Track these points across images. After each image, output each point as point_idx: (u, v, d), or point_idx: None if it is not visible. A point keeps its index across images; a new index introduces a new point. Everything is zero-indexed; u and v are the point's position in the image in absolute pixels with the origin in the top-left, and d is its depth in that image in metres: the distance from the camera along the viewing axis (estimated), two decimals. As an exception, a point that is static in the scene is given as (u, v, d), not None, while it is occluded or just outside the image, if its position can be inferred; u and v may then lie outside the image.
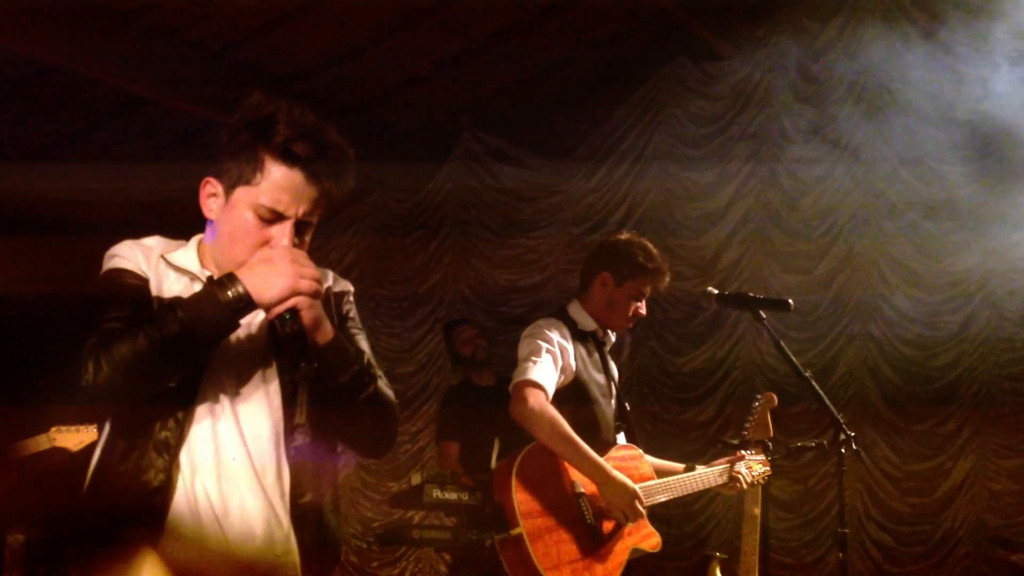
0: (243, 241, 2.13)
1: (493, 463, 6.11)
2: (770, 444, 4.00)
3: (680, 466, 3.96)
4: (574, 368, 3.82)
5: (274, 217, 2.12)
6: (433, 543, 5.34)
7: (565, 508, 3.60)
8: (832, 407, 3.59)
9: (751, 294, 3.94)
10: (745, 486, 3.94)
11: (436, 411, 6.71)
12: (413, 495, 5.29)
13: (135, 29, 6.63)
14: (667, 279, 4.03)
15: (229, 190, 2.15)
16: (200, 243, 2.28)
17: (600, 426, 3.82)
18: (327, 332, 2.11)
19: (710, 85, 7.81)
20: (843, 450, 3.53)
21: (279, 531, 2.16)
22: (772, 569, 6.66)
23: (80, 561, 2.12)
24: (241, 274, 2.03)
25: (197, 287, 2.15)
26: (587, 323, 3.98)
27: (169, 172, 8.11)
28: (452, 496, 5.16)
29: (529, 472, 3.57)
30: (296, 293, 2.04)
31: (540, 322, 3.90)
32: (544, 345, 3.76)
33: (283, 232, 2.12)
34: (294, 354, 2.05)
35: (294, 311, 2.04)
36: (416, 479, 5.30)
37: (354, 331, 2.30)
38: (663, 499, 3.78)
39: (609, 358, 4.07)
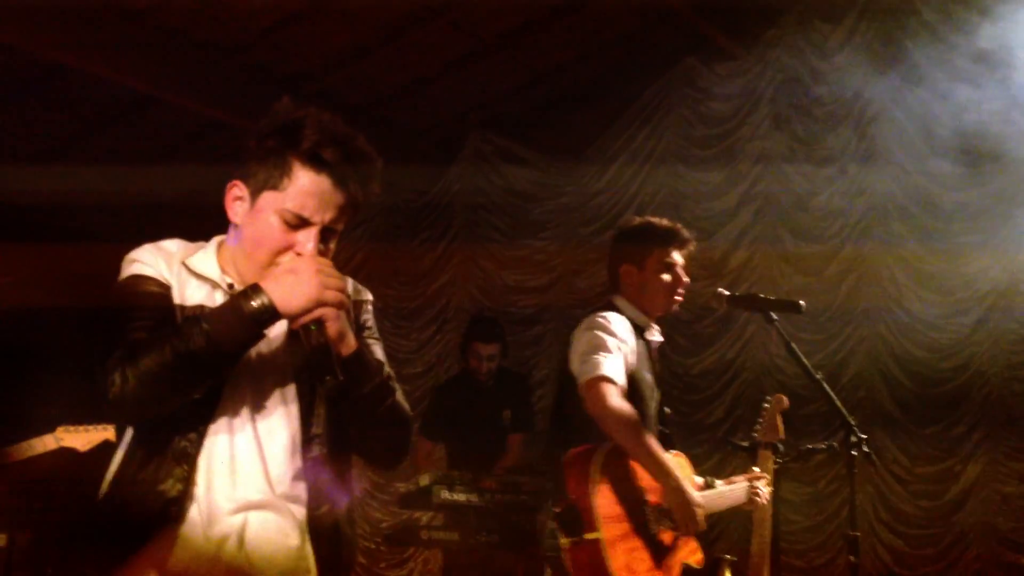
0: (267, 245, 2.11)
1: (513, 459, 6.10)
2: (780, 446, 3.97)
3: (698, 480, 3.85)
4: (632, 363, 3.70)
5: (300, 223, 2.11)
6: (441, 544, 5.34)
7: (636, 515, 3.46)
8: (843, 409, 3.57)
9: (762, 295, 3.91)
10: (764, 502, 3.88)
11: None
12: (421, 496, 5.29)
13: (145, 29, 6.63)
14: (686, 236, 3.91)
15: (255, 194, 2.14)
16: (220, 246, 2.27)
17: (648, 427, 3.68)
18: (351, 343, 2.10)
19: (720, 86, 7.78)
20: (854, 452, 3.50)
21: (295, 542, 2.16)
22: (782, 572, 6.63)
23: (93, 567, 2.11)
24: (266, 284, 2.02)
25: (218, 295, 2.15)
26: (637, 316, 3.84)
27: (179, 172, 8.15)
28: (461, 497, 5.16)
29: (608, 473, 3.42)
30: (322, 304, 2.03)
31: (602, 314, 3.74)
32: (610, 339, 3.62)
33: (308, 237, 2.11)
34: (320, 366, 2.04)
35: (319, 322, 2.03)
36: (424, 480, 5.30)
37: (371, 340, 2.30)
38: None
39: (656, 358, 3.94)
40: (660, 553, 3.48)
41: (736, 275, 7.26)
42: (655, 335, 3.94)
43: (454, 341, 8.42)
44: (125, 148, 7.99)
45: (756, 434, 3.98)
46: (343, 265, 2.15)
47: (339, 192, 2.12)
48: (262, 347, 2.15)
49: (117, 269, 2.21)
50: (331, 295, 2.04)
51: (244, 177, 2.16)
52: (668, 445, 3.73)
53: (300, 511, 2.17)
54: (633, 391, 3.65)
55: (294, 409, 2.18)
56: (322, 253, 2.14)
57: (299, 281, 2.02)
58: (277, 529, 2.14)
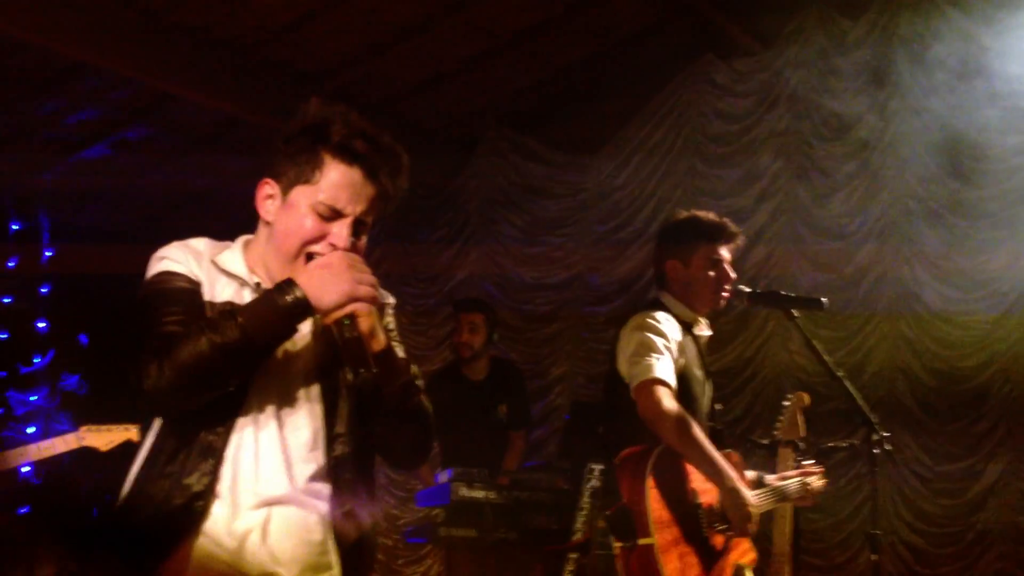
0: (300, 235, 2.13)
1: (516, 457, 6.07)
2: (801, 444, 3.94)
3: (749, 475, 3.80)
4: (682, 362, 3.67)
5: (332, 215, 2.13)
6: (459, 541, 5.33)
7: (689, 519, 3.43)
8: (865, 407, 3.55)
9: (783, 292, 3.88)
10: (816, 500, 3.85)
11: None
12: (439, 493, 5.29)
13: (165, 26, 6.65)
14: (732, 231, 3.86)
15: (287, 190, 2.17)
16: (246, 245, 2.29)
17: (700, 425, 3.63)
18: (381, 340, 2.11)
19: (738, 82, 7.74)
20: (875, 451, 3.48)
21: (318, 537, 2.17)
22: (802, 570, 6.59)
23: (118, 562, 2.12)
24: (300, 279, 2.03)
25: (246, 293, 2.18)
26: (684, 313, 3.81)
27: (199, 168, 8.19)
28: (478, 494, 5.15)
29: (661, 475, 3.39)
30: (354, 299, 2.04)
31: (651, 313, 3.71)
32: (658, 339, 3.59)
33: (342, 228, 2.13)
34: (353, 360, 2.06)
35: (352, 317, 2.04)
36: (442, 477, 5.30)
37: (394, 343, 2.29)
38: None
39: (705, 354, 3.91)
40: (711, 557, 3.45)
41: (755, 272, 7.22)
42: (703, 330, 3.91)
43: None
44: (145, 145, 8.03)
45: (776, 432, 3.96)
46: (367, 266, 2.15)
47: (370, 184, 2.16)
48: (288, 345, 2.16)
49: (144, 267, 2.23)
50: (364, 290, 2.05)
51: (275, 175, 2.19)
52: (720, 442, 3.69)
53: (323, 507, 2.18)
54: (684, 389, 3.62)
55: (318, 408, 2.20)
56: (354, 245, 2.16)
57: (332, 276, 2.03)
58: (300, 524, 2.15)
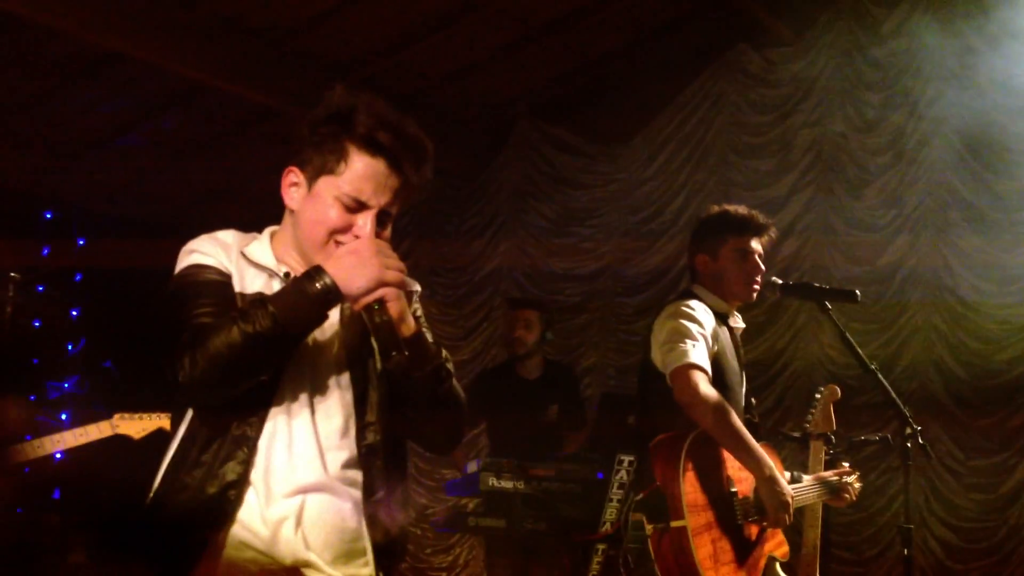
0: (326, 225, 2.14)
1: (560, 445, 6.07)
2: (832, 437, 3.91)
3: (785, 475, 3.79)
4: (716, 349, 3.65)
5: (357, 206, 2.14)
6: (488, 531, 5.34)
7: (722, 505, 3.41)
8: (898, 400, 3.52)
9: (816, 284, 3.85)
10: (854, 499, 3.81)
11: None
12: (468, 483, 5.30)
13: (197, 16, 6.69)
14: (761, 223, 3.85)
15: (312, 180, 2.17)
16: (273, 236, 2.30)
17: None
18: (411, 324, 2.12)
19: (772, 72, 7.68)
20: (908, 444, 3.45)
21: (352, 524, 2.19)
22: (832, 564, 6.56)
23: (152, 551, 2.14)
24: (328, 266, 2.04)
25: (275, 283, 2.19)
26: (717, 303, 3.80)
27: (230, 158, 8.23)
28: (508, 485, 5.16)
29: (696, 460, 3.38)
30: (383, 284, 2.05)
31: (685, 301, 3.71)
32: (693, 326, 3.58)
33: (367, 220, 2.13)
34: (384, 343, 2.07)
35: (381, 302, 2.05)
36: (472, 467, 5.31)
37: (424, 330, 2.29)
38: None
39: (740, 345, 3.90)
40: (744, 547, 3.43)
41: (787, 264, 7.17)
42: (737, 321, 3.89)
43: (501, 329, 8.43)
44: (177, 135, 8.08)
45: (808, 425, 3.93)
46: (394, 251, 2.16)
47: (394, 175, 2.15)
48: (317, 334, 2.17)
49: (174, 260, 2.24)
50: (392, 275, 2.06)
51: (300, 164, 2.20)
52: (755, 435, 3.64)
53: (357, 494, 2.19)
54: (719, 378, 3.59)
55: (348, 396, 2.21)
56: (378, 236, 2.16)
57: (360, 262, 2.04)
58: (335, 511, 2.16)
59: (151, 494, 2.15)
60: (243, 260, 2.22)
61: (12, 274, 5.54)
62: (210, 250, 2.21)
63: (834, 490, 3.76)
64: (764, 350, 7.22)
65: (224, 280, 2.18)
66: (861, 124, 7.34)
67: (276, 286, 2.18)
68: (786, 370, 7.24)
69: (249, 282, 2.20)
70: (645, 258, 7.98)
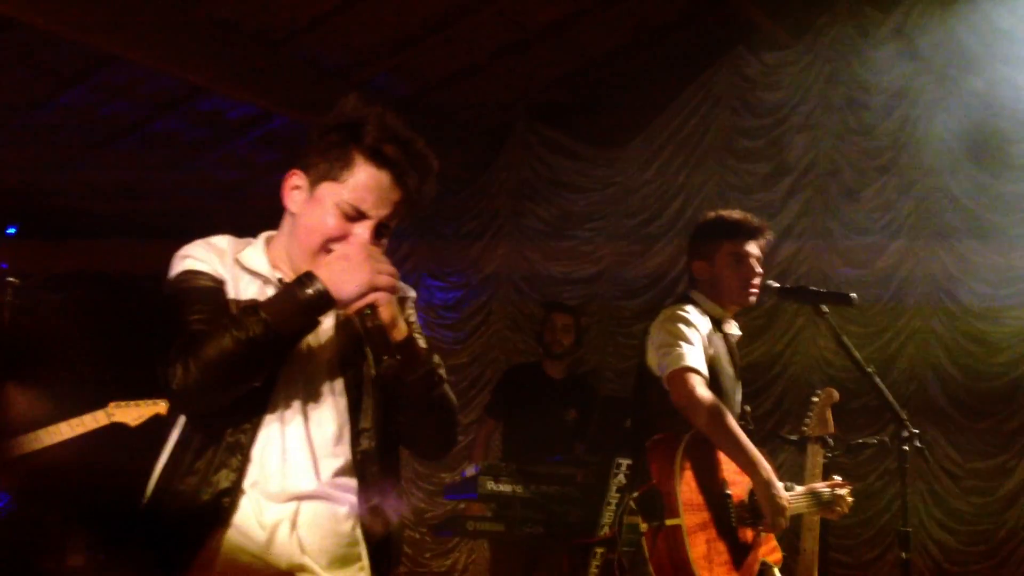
0: (323, 232, 2.15)
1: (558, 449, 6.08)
2: (830, 440, 3.91)
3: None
4: (711, 353, 3.65)
5: (357, 215, 2.15)
6: (487, 535, 5.34)
7: (718, 507, 3.41)
8: (895, 404, 3.52)
9: (813, 288, 3.85)
10: (846, 512, 3.80)
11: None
12: (467, 486, 5.29)
13: (195, 19, 6.69)
14: (755, 227, 3.86)
15: (315, 184, 2.18)
16: (269, 241, 2.30)
17: None
18: (402, 329, 2.14)
19: (769, 76, 7.69)
20: (905, 448, 3.45)
21: (347, 528, 2.19)
22: (831, 567, 6.55)
23: (147, 556, 2.14)
24: (319, 272, 2.05)
25: (270, 290, 2.19)
26: (714, 310, 3.81)
27: (228, 162, 8.23)
28: (506, 488, 5.15)
29: (691, 460, 3.38)
30: (374, 289, 2.06)
31: (680, 306, 3.72)
32: (689, 329, 3.59)
33: (364, 230, 2.14)
34: (376, 348, 2.09)
35: (373, 307, 2.06)
36: (470, 471, 5.30)
37: (416, 335, 2.30)
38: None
39: (736, 353, 3.90)
40: (739, 550, 3.43)
41: (784, 267, 7.18)
42: (733, 328, 3.90)
43: (499, 332, 8.44)
44: (175, 138, 8.08)
45: (805, 428, 3.92)
46: (388, 254, 2.18)
47: (397, 189, 2.17)
48: (310, 340, 2.18)
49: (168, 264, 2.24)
50: (383, 280, 2.07)
51: (304, 167, 2.21)
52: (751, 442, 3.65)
53: (352, 499, 2.20)
54: (714, 385, 3.59)
55: (342, 402, 2.21)
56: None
57: (351, 267, 2.06)
58: (329, 516, 2.17)
59: (146, 499, 2.15)
60: (237, 266, 2.22)
61: (10, 278, 5.51)
62: (204, 256, 2.21)
63: (826, 503, 3.76)
64: (762, 353, 7.22)
65: (217, 286, 2.18)
66: (858, 127, 7.35)
67: (270, 293, 2.18)
68: (784, 373, 7.25)
69: (243, 288, 2.20)
70: (643, 261, 7.98)
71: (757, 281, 3.83)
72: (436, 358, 2.25)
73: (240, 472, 2.10)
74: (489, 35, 7.51)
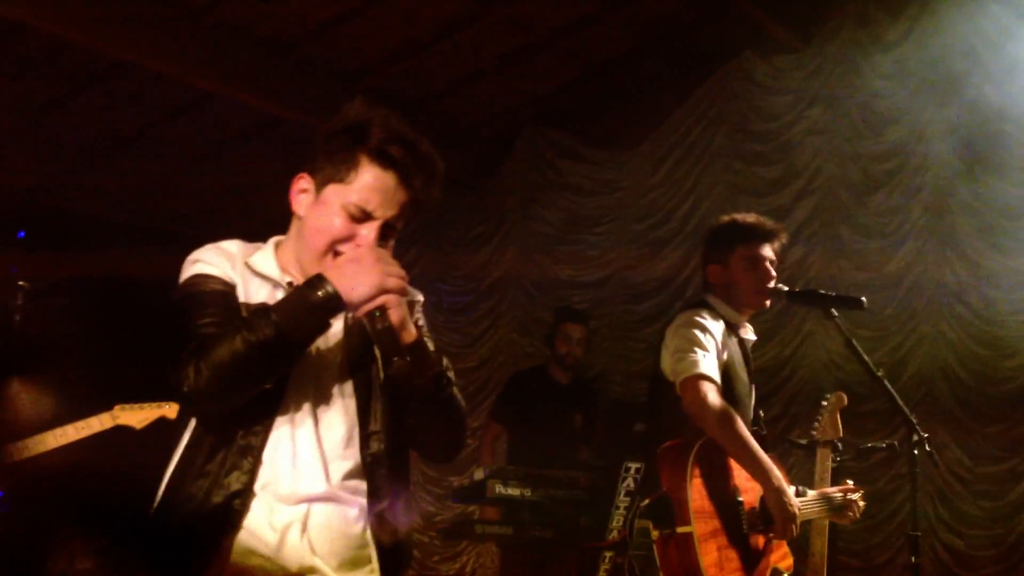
0: (329, 233, 2.16)
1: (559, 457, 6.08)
2: (840, 444, 3.91)
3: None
4: (725, 358, 3.65)
5: (363, 216, 2.15)
6: (496, 539, 5.34)
7: (729, 514, 3.41)
8: (904, 407, 3.51)
9: (822, 291, 3.85)
10: (858, 517, 3.81)
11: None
12: (475, 490, 5.30)
13: (205, 25, 6.72)
14: (769, 229, 3.85)
15: (321, 187, 2.19)
16: (277, 246, 2.31)
17: None
18: (412, 332, 2.14)
19: (777, 79, 7.68)
20: (915, 452, 3.44)
21: (357, 530, 2.20)
22: (841, 571, 6.55)
23: (158, 558, 2.15)
24: (330, 274, 2.06)
25: (279, 293, 2.20)
26: (729, 314, 3.80)
27: (238, 167, 8.25)
28: (515, 492, 5.16)
29: (703, 467, 3.38)
30: (384, 291, 2.06)
31: (696, 311, 3.72)
32: (704, 336, 3.59)
33: (371, 231, 2.15)
34: (386, 350, 2.08)
35: (382, 309, 2.07)
36: (478, 474, 5.31)
37: (425, 337, 2.31)
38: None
39: (750, 358, 3.89)
40: (750, 557, 3.43)
41: (793, 271, 7.16)
42: (748, 333, 3.90)
43: (507, 336, 8.44)
44: (185, 143, 8.10)
45: (815, 432, 3.93)
46: (396, 258, 2.19)
47: (403, 190, 2.17)
48: (320, 343, 2.18)
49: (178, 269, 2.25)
50: (393, 282, 2.07)
51: (311, 171, 2.22)
52: (763, 447, 3.62)
53: (362, 501, 2.20)
54: (729, 391, 3.60)
55: (351, 405, 2.22)
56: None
57: (361, 270, 2.06)
58: (340, 517, 2.18)
59: (156, 502, 2.16)
60: (247, 270, 2.23)
61: (20, 282, 5.53)
62: (214, 260, 2.22)
63: (838, 508, 3.76)
64: (771, 357, 7.21)
65: (228, 290, 2.19)
66: (866, 131, 7.34)
67: (280, 296, 2.18)
68: (793, 377, 7.23)
69: (253, 292, 2.21)
70: (651, 265, 7.98)
71: (772, 284, 3.82)
72: (445, 361, 2.25)
73: (252, 474, 2.11)
74: (497, 40, 7.52)
